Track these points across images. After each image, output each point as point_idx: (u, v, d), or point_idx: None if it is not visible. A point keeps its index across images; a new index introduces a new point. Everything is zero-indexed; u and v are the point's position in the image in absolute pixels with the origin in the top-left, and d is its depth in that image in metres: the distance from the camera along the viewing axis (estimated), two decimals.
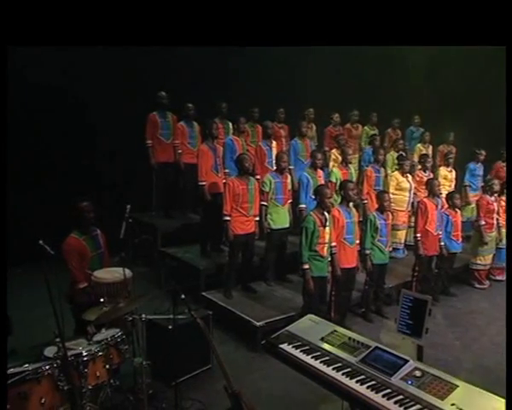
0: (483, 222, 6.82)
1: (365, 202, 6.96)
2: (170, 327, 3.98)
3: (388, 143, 9.25)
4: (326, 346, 2.53)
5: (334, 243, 5.06)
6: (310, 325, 2.77)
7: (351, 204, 5.20)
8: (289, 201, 5.95)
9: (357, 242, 5.32)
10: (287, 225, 5.88)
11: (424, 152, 8.87)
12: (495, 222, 6.89)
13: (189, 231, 6.71)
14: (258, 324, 4.83)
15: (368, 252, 5.56)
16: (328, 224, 4.74)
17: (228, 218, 5.29)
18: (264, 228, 5.77)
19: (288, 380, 4.16)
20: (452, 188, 8.16)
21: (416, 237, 6.07)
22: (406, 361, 2.29)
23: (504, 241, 7.18)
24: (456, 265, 7.17)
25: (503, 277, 7.33)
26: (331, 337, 2.59)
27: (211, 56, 7.83)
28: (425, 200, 6.07)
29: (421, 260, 6.08)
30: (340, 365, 2.36)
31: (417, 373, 2.22)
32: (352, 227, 5.15)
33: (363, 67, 9.69)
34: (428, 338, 5.20)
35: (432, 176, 7.82)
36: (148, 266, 6.81)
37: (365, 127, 9.23)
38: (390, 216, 5.71)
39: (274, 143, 6.93)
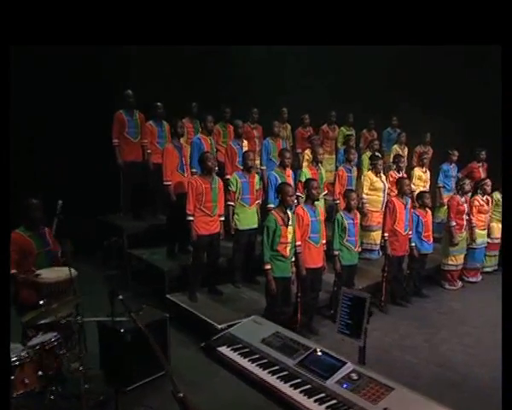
0: (453, 223, 6.76)
1: (337, 202, 6.87)
2: (122, 330, 3.82)
3: (364, 143, 9.22)
4: (266, 348, 2.40)
5: (298, 243, 4.95)
6: (253, 327, 2.65)
7: (316, 202, 5.10)
8: (257, 201, 5.83)
9: (324, 241, 5.22)
10: (255, 226, 5.76)
11: (399, 153, 8.87)
12: (465, 223, 6.83)
13: (157, 232, 6.55)
14: (219, 326, 4.68)
15: (336, 253, 5.47)
16: (290, 223, 4.62)
17: (191, 218, 5.15)
18: (230, 228, 5.67)
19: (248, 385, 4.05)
20: (427, 189, 8.14)
21: (383, 237, 5.99)
22: (344, 364, 2.17)
23: (478, 241, 7.15)
24: (429, 265, 7.10)
25: (476, 278, 7.30)
26: (272, 339, 2.46)
27: (182, 55, 7.72)
28: (393, 199, 6.00)
29: (391, 260, 6.00)
30: (276, 368, 2.24)
31: (354, 376, 2.11)
32: (318, 226, 5.04)
33: (340, 66, 9.64)
34: (397, 340, 5.27)
35: (405, 176, 7.79)
36: (119, 269, 6.67)
37: (342, 128, 9.17)
38: (358, 215, 5.62)
39: (245, 142, 6.81)
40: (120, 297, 2.82)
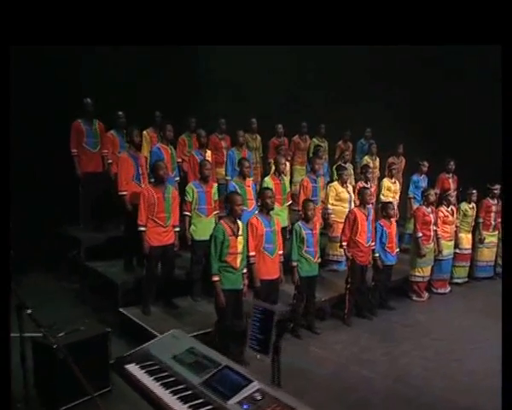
0: (420, 234, 6.67)
1: (301, 212, 6.73)
2: (55, 346, 3.62)
3: (338, 155, 9.14)
4: (176, 365, 2.24)
5: (252, 253, 4.81)
6: (170, 342, 2.49)
7: (271, 212, 4.98)
8: (215, 211, 5.69)
9: (280, 252, 5.08)
10: None
11: (369, 163, 8.81)
12: (432, 234, 6.74)
13: (118, 244, 6.37)
14: None
15: (294, 264, 5.33)
16: (240, 233, 4.48)
17: (143, 228, 4.99)
18: (187, 239, 5.52)
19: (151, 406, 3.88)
20: (397, 200, 8.07)
21: (341, 247, 5.87)
22: (250, 382, 2.02)
23: (445, 252, 7.06)
24: (397, 277, 7.01)
25: (444, 289, 7.20)
26: (185, 356, 2.31)
27: (148, 63, 7.62)
28: (355, 210, 5.89)
29: (353, 269, 5.87)
30: (180, 387, 2.08)
31: (257, 396, 1.95)
32: (273, 236, 4.91)
33: (314, 77, 9.62)
34: (356, 354, 5.12)
35: (374, 187, 7.73)
36: (80, 282, 6.47)
37: (313, 139, 9.09)
38: (317, 226, 5.50)
39: (208, 152, 6.70)
40: (29, 311, 2.64)
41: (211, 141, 7.78)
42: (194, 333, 4.76)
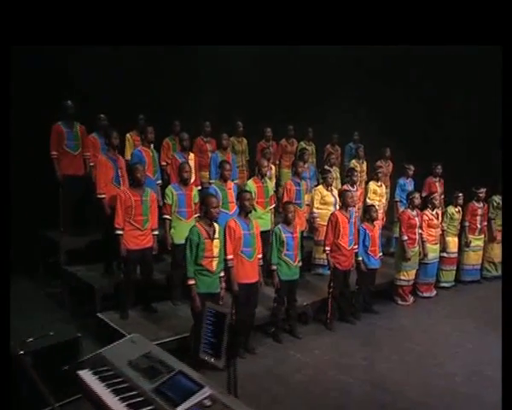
0: (405, 237, 6.62)
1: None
2: (21, 352, 3.54)
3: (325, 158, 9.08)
4: (130, 371, 2.18)
5: (230, 257, 4.75)
6: (127, 347, 2.43)
7: (250, 215, 4.92)
8: (196, 214, 5.62)
9: (260, 256, 5.02)
10: None
11: (356, 167, 8.78)
12: (417, 237, 6.70)
13: (98, 247, 6.29)
14: None
15: (274, 267, 5.27)
16: (217, 236, 4.42)
17: (120, 232, 4.92)
18: (167, 243, 5.46)
19: None
20: (383, 203, 8.04)
21: (325, 251, 5.82)
22: (201, 388, 1.95)
23: (430, 256, 7.01)
24: (383, 280, 6.98)
25: (430, 293, 7.15)
26: (140, 361, 2.24)
27: (131, 65, 7.57)
28: (336, 213, 5.84)
29: (335, 275, 5.81)
30: (132, 394, 2.02)
31: (207, 402, 1.89)
32: (251, 240, 4.85)
33: (301, 80, 9.59)
34: (335, 358, 5.05)
35: (360, 191, 7.69)
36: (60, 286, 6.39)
37: (301, 142, 9.05)
38: (297, 229, 5.44)
39: (191, 155, 6.63)
40: None
41: (196, 144, 7.74)
42: (172, 338, 4.74)
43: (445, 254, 7.45)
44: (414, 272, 6.79)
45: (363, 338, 5.62)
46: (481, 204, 7.71)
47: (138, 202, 4.93)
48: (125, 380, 2.13)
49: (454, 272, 7.60)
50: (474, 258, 7.78)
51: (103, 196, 5.52)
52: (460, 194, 7.48)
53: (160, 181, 6.42)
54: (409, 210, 6.72)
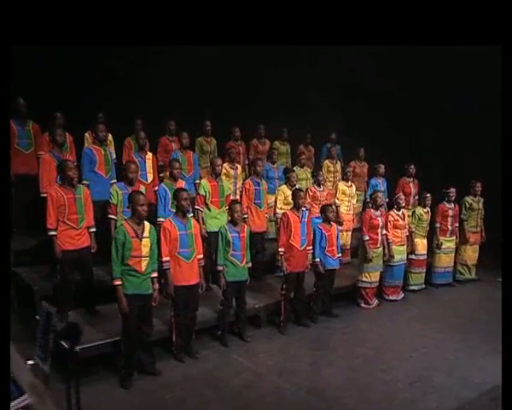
0: (367, 237, 6.42)
1: (245, 216, 6.51)
2: None
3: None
4: None
5: (165, 259, 4.59)
6: None
7: (189, 215, 4.76)
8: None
9: (200, 256, 4.84)
10: None
11: (329, 167, 8.63)
12: (380, 237, 6.49)
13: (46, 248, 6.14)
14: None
15: (220, 268, 5.10)
16: (146, 235, 4.24)
17: (53, 233, 4.76)
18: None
19: None
20: (354, 203, 7.85)
21: (278, 252, 5.64)
22: (21, 395, 1.77)
23: (396, 258, 6.80)
24: (347, 283, 6.79)
25: (396, 296, 6.93)
26: None
27: (93, 64, 7.47)
28: (288, 213, 5.65)
29: (288, 278, 5.62)
30: None
31: None
32: (188, 240, 4.68)
33: (279, 79, 9.43)
34: (280, 363, 4.85)
35: (326, 191, 7.50)
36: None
37: (275, 142, 8.88)
38: (245, 228, 5.26)
39: (149, 154, 6.47)
40: None
41: (161, 143, 7.63)
42: (103, 341, 4.56)
43: (413, 257, 7.25)
44: (377, 274, 6.58)
45: (315, 342, 5.43)
46: (452, 205, 7.49)
47: (71, 200, 4.76)
48: None
49: (423, 274, 7.38)
50: (445, 260, 7.55)
51: (47, 194, 5.37)
52: (428, 194, 7.27)
53: (114, 180, 6.27)
54: (372, 210, 6.53)
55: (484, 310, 6.49)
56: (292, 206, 5.77)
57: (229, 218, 5.24)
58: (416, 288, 7.31)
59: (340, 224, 7.67)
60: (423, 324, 6.04)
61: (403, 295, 7.01)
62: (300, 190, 5.95)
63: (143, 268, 4.21)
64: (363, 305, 6.59)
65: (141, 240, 4.18)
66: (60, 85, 7.12)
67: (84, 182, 5.83)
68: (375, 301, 6.65)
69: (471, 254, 7.83)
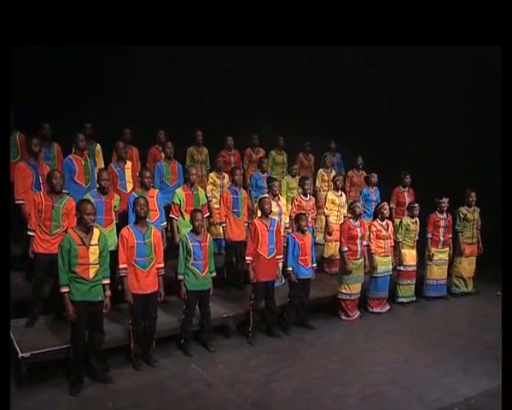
0: (345, 248, 6.28)
1: (224, 225, 6.51)
2: None
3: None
4: None
5: (123, 266, 4.66)
6: None
7: (150, 224, 4.82)
8: (114, 222, 5.57)
9: (160, 265, 4.88)
10: (111, 248, 5.46)
11: (322, 176, 8.56)
12: (359, 248, 6.33)
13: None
14: (21, 354, 4.38)
15: (181, 277, 5.12)
16: (94, 243, 4.31)
17: (31, 233, 4.98)
18: None
19: None
20: (344, 213, 7.71)
21: (245, 261, 5.59)
22: None
23: (380, 269, 6.62)
24: (329, 293, 6.66)
25: (381, 308, 6.73)
26: None
27: (69, 72, 7.67)
28: (255, 221, 5.61)
29: (256, 286, 5.57)
30: None
31: None
32: (146, 249, 4.73)
33: (275, 87, 9.44)
34: (235, 374, 4.79)
35: (313, 200, 7.41)
36: None
37: (271, 152, 8.87)
38: (208, 238, 5.26)
39: (128, 164, 6.58)
40: None
41: (150, 153, 7.75)
42: (58, 347, 4.62)
43: (401, 268, 7.05)
44: (358, 285, 6.40)
45: (281, 354, 5.33)
46: (444, 215, 7.24)
47: (49, 207, 4.94)
48: None
49: (413, 286, 7.15)
50: (437, 272, 7.29)
51: (22, 202, 5.57)
52: (416, 205, 7.06)
53: (95, 190, 6.40)
54: (350, 220, 6.39)
55: (469, 325, 6.23)
56: (261, 214, 5.72)
57: (192, 226, 5.24)
58: (404, 300, 7.08)
59: (329, 234, 7.60)
60: (400, 337, 5.85)
61: (388, 307, 6.80)
62: (266, 197, 5.89)
63: (91, 275, 4.27)
64: (343, 317, 6.43)
65: (88, 247, 4.25)
66: (57, 89, 7.37)
67: (64, 191, 6.00)
68: (357, 313, 6.47)
69: (467, 266, 7.52)
